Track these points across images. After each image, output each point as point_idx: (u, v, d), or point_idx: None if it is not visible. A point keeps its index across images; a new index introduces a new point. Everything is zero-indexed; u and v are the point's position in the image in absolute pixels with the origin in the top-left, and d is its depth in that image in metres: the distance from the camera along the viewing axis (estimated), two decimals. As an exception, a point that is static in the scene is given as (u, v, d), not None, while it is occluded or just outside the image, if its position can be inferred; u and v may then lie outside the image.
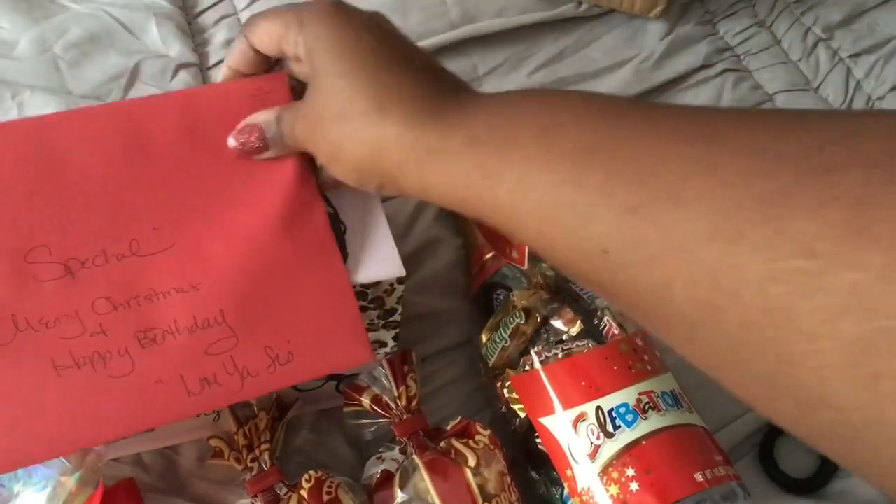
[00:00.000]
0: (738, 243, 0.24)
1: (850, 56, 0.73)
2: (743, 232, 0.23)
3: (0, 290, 0.38)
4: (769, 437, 0.57)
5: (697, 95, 0.71)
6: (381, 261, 0.45)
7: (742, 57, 0.74)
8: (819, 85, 0.72)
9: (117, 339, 0.38)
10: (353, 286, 0.44)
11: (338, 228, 0.46)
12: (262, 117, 0.41)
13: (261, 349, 0.40)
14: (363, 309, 0.46)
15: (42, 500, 0.39)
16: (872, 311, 0.21)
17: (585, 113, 0.30)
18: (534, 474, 0.51)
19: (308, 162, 0.43)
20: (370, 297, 0.46)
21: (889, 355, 0.20)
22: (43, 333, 0.38)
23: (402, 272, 0.44)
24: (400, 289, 0.46)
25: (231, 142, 0.42)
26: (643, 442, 0.46)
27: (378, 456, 0.49)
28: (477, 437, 0.49)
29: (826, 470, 0.56)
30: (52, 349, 0.38)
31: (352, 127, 0.35)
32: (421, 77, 0.35)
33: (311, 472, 0.46)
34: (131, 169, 0.41)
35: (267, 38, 0.40)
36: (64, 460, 0.40)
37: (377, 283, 0.45)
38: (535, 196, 0.30)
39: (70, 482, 0.40)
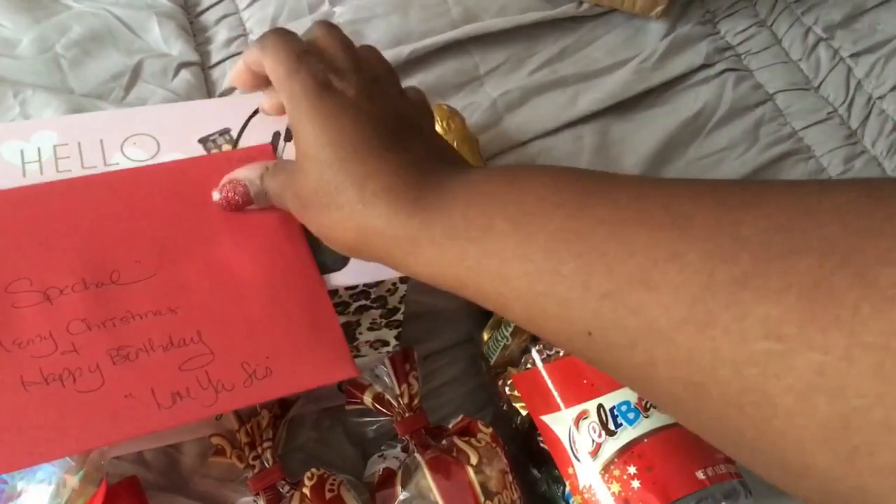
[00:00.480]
0: (710, 326, 0.25)
1: (851, 55, 0.73)
2: (713, 315, 0.25)
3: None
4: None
5: (698, 95, 0.71)
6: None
7: (743, 56, 0.74)
8: (819, 84, 0.72)
9: (88, 356, 0.39)
10: (357, 286, 0.44)
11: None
12: (245, 174, 0.43)
13: (237, 364, 0.40)
14: (366, 308, 0.47)
15: (46, 498, 0.39)
16: (842, 390, 0.22)
17: (554, 200, 0.31)
18: (535, 472, 0.51)
19: None
20: (373, 296, 0.46)
21: (865, 431, 0.22)
22: (15, 353, 0.38)
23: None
24: (402, 288, 0.46)
25: (215, 195, 0.44)
26: (645, 440, 0.46)
27: (380, 454, 0.50)
28: (479, 436, 0.49)
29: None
30: (22, 367, 0.38)
31: (339, 216, 0.36)
32: (405, 161, 0.36)
33: (314, 470, 0.46)
34: (116, 211, 0.44)
35: (258, 72, 0.41)
36: (68, 458, 0.40)
37: (380, 283, 0.45)
38: (516, 285, 0.31)
39: (73, 480, 0.40)
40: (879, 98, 0.71)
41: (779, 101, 0.71)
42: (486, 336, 0.54)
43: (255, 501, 0.46)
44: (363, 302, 0.46)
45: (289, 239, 0.45)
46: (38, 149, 0.47)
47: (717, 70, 0.72)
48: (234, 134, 0.49)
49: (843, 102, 0.71)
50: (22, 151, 0.46)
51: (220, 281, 0.42)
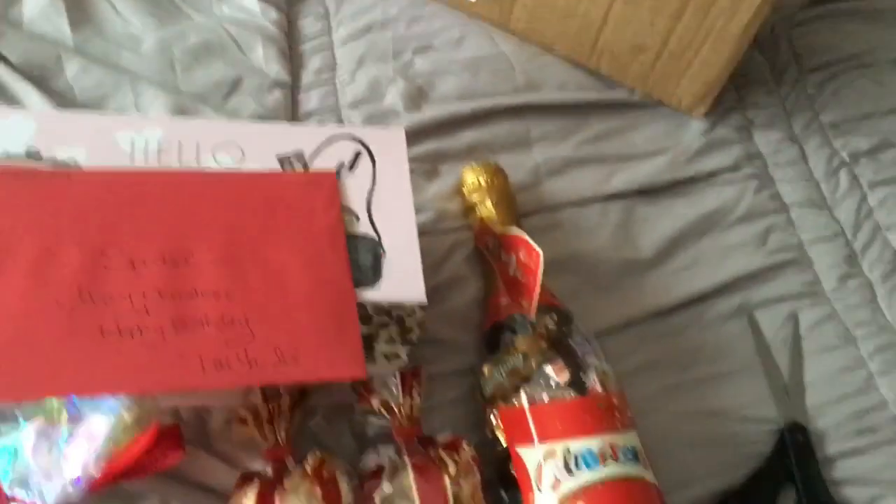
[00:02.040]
0: None
1: (869, 185, 0.80)
2: None
3: (77, 270, 0.48)
4: (719, 507, 0.64)
5: (721, 193, 0.78)
6: (408, 287, 0.54)
7: (769, 166, 0.81)
8: (834, 205, 0.79)
9: (156, 319, 0.48)
10: (381, 303, 0.53)
11: (377, 253, 0.55)
12: None
13: (271, 348, 0.49)
14: (385, 324, 0.55)
15: (105, 427, 0.48)
16: None
17: None
18: (504, 495, 0.59)
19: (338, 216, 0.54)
20: (394, 315, 0.54)
21: None
22: (99, 305, 0.48)
23: (423, 300, 0.53)
24: (421, 314, 0.55)
25: None
26: (599, 485, 0.54)
27: (375, 450, 0.58)
28: (461, 452, 0.57)
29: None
30: (102, 318, 0.47)
31: None
32: None
33: (318, 453, 0.55)
34: (199, 204, 0.53)
35: None
36: (127, 399, 0.49)
37: (402, 305, 0.53)
38: None
39: (129, 417, 0.49)
40: (886, 229, 0.78)
41: (793, 213, 0.78)
42: (485, 371, 0.61)
43: (264, 469, 0.55)
44: (384, 318, 0.54)
45: (333, 251, 0.53)
46: (146, 141, 0.56)
47: (742, 174, 0.80)
48: (307, 157, 0.59)
49: (852, 226, 0.77)
50: (133, 141, 0.56)
51: (271, 278, 0.51)
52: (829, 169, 0.81)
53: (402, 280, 0.54)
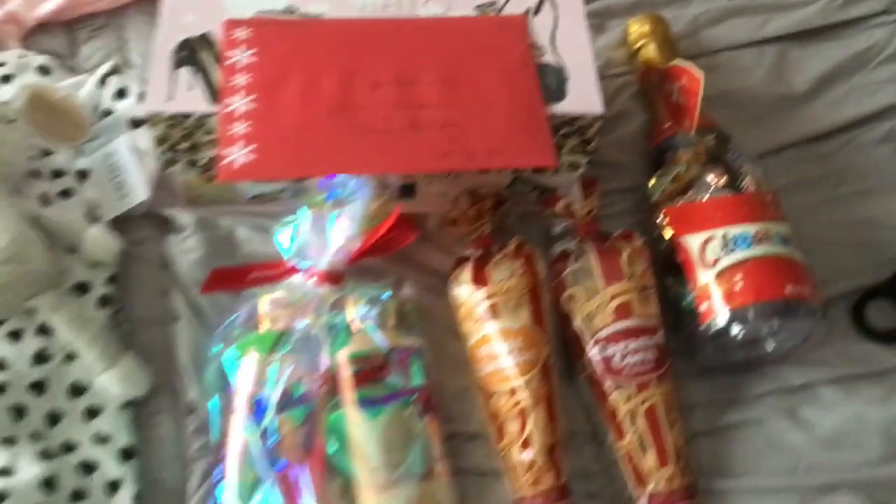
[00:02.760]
0: None
1: None
2: None
3: (335, 89, 0.64)
4: (864, 297, 0.72)
5: (871, 35, 0.85)
6: (588, 102, 0.66)
7: (921, 9, 0.86)
8: None
9: (398, 122, 0.62)
10: (566, 115, 0.65)
11: (561, 77, 0.67)
12: None
13: (484, 143, 0.62)
14: (569, 134, 0.67)
15: (359, 213, 0.63)
16: None
17: None
18: (669, 281, 0.70)
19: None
20: (576, 125, 0.66)
21: None
22: (353, 114, 0.62)
23: (601, 111, 0.65)
24: (597, 125, 0.66)
25: None
26: (752, 261, 0.64)
27: (561, 242, 0.70)
28: (633, 241, 0.68)
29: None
30: (357, 120, 0.62)
31: None
32: None
33: (518, 238, 0.68)
34: (420, 41, 0.67)
35: None
36: (374, 190, 0.64)
37: (583, 116, 0.65)
38: None
39: (376, 206, 0.64)
40: None
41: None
42: (652, 182, 0.72)
43: (474, 253, 0.68)
44: (568, 129, 0.67)
45: (526, 74, 0.66)
46: (376, -4, 0.70)
47: (893, 17, 0.85)
48: (499, 6, 0.71)
49: None
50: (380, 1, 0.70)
51: (479, 94, 0.64)
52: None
53: (582, 97, 0.66)
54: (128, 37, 0.81)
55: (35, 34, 0.80)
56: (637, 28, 0.81)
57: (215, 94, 0.64)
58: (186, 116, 0.63)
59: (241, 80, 0.64)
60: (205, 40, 0.66)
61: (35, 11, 0.79)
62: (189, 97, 0.63)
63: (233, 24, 0.67)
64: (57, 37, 0.81)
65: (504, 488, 0.64)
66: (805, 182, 0.77)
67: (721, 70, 0.82)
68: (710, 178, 0.69)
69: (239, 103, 0.62)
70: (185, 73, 0.65)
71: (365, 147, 0.61)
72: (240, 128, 0.61)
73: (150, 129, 0.64)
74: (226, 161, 0.60)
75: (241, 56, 0.65)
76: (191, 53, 0.66)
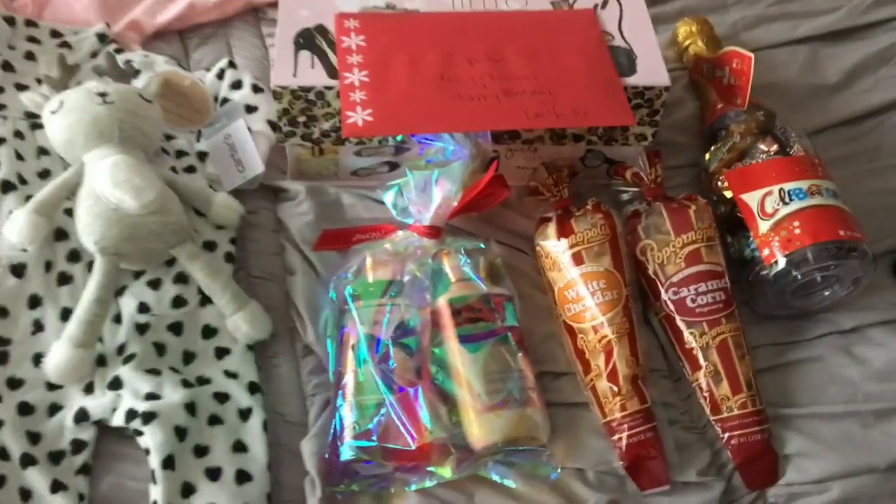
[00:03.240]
0: None
1: None
2: None
3: (437, 64, 0.73)
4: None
5: (893, 36, 0.95)
6: (656, 76, 0.75)
7: (936, 13, 0.96)
8: None
9: (492, 90, 0.72)
10: (638, 86, 0.74)
11: (631, 57, 0.77)
12: None
13: (570, 106, 0.71)
14: (638, 106, 0.77)
15: (458, 172, 0.72)
16: None
17: None
18: (729, 239, 0.78)
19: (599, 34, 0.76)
20: (646, 97, 0.76)
21: None
22: (454, 83, 0.72)
23: (668, 83, 0.74)
24: (664, 96, 0.76)
25: None
26: (807, 210, 0.73)
27: (631, 204, 0.79)
28: (697, 201, 0.77)
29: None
30: (457, 90, 0.71)
31: None
32: None
33: (593, 199, 0.76)
34: (506, 27, 0.78)
35: None
36: (473, 149, 0.72)
37: (651, 88, 0.75)
38: None
39: (473, 164, 0.73)
40: None
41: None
42: (708, 155, 0.81)
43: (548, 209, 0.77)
44: (637, 101, 0.76)
45: (600, 53, 0.76)
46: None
47: (910, 21, 0.96)
48: (571, 1, 0.81)
49: None
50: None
51: (562, 69, 0.74)
52: None
53: (651, 71, 0.76)
54: (233, 43, 0.92)
55: (152, 40, 0.90)
56: (685, 28, 0.91)
57: (333, 71, 0.73)
58: (309, 89, 0.73)
59: (354, 59, 0.73)
60: (320, 29, 0.76)
61: (154, 20, 0.90)
62: (311, 73, 0.73)
63: (343, 16, 0.77)
64: (171, 43, 0.91)
65: (591, 417, 0.71)
66: (842, 158, 0.86)
67: (760, 65, 0.91)
68: (762, 146, 0.78)
69: (355, 77, 0.72)
70: (304, 56, 0.74)
71: (466, 109, 0.71)
72: (357, 95, 0.71)
73: (275, 103, 0.73)
74: (349, 121, 0.69)
75: (353, 41, 0.75)
76: (309, 40, 0.75)
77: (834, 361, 0.75)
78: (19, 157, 0.74)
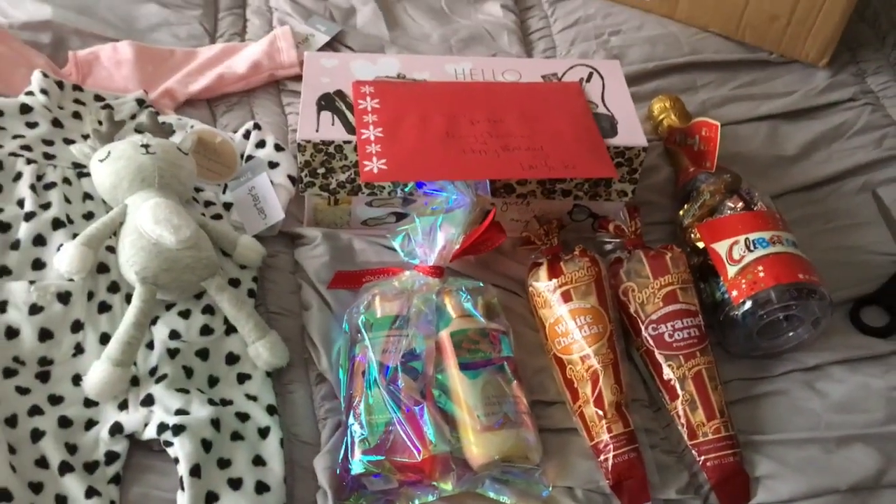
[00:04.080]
0: None
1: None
2: None
3: (443, 124, 0.83)
4: (858, 304, 0.89)
5: (844, 115, 1.07)
6: (634, 138, 0.86)
7: (880, 98, 1.09)
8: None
9: (492, 146, 0.82)
10: (619, 146, 0.85)
11: (613, 122, 0.87)
12: None
13: (560, 160, 0.81)
14: (619, 164, 0.87)
15: (460, 214, 0.81)
16: None
17: None
18: (702, 285, 0.87)
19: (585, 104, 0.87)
20: (626, 156, 0.86)
21: None
22: (458, 140, 0.82)
23: (645, 144, 0.85)
24: (643, 156, 0.86)
25: None
26: (770, 256, 0.82)
27: (614, 253, 0.88)
28: (674, 251, 0.86)
29: (894, 325, 0.88)
30: (461, 145, 0.81)
31: None
32: None
33: (580, 246, 0.85)
34: (504, 96, 0.88)
35: None
36: (472, 197, 0.82)
37: (631, 148, 0.85)
38: None
39: (474, 211, 0.82)
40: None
41: (900, 125, 1.05)
42: (682, 211, 0.91)
43: (539, 255, 0.86)
44: (618, 160, 0.86)
45: (586, 119, 0.86)
46: (462, 68, 0.91)
47: (859, 103, 1.08)
48: (559, 76, 0.92)
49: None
50: (454, 69, 0.91)
51: (553, 130, 0.84)
52: (927, 95, 1.08)
53: (630, 134, 0.86)
54: (256, 111, 1.02)
55: (183, 107, 1.01)
56: (660, 105, 1.02)
57: (350, 128, 0.83)
58: (330, 143, 0.82)
59: (370, 118, 0.83)
60: (339, 94, 0.87)
61: (186, 89, 1.00)
62: (331, 130, 0.83)
63: (360, 83, 0.87)
64: (200, 110, 1.01)
65: (579, 441, 0.78)
66: (802, 219, 0.96)
67: (726, 139, 1.02)
68: (730, 203, 0.88)
69: (371, 133, 0.82)
70: (325, 115, 0.84)
71: (469, 161, 0.80)
72: (373, 148, 0.80)
73: (299, 156, 0.83)
74: (366, 169, 0.78)
75: (369, 103, 0.85)
76: (329, 102, 0.86)
77: (798, 395, 0.82)
78: (67, 200, 0.83)
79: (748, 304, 0.81)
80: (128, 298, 0.77)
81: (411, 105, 0.86)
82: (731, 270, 0.83)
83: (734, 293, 0.82)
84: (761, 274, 0.81)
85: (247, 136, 0.94)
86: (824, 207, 0.98)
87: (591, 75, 0.93)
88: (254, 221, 0.88)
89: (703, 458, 0.77)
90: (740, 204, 0.88)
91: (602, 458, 0.76)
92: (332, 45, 1.09)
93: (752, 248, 0.83)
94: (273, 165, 0.92)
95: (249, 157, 0.93)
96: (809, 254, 0.86)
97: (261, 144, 0.93)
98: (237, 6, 1.15)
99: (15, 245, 0.78)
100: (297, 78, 1.03)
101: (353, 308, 0.82)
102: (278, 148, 0.93)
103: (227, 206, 0.90)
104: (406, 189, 0.85)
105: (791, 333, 0.84)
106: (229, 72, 1.02)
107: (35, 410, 0.72)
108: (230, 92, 1.03)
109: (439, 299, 0.82)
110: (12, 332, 0.74)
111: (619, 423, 0.77)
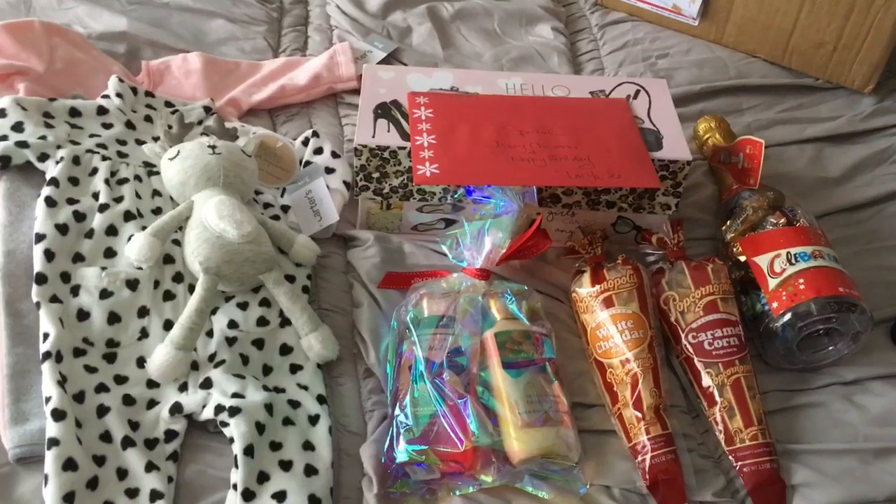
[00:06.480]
0: None
1: None
2: None
3: (493, 134, 0.87)
4: (899, 321, 0.91)
5: (889, 140, 1.08)
6: (678, 152, 0.88)
7: (926, 122, 1.10)
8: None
9: (540, 155, 0.85)
10: (664, 160, 0.87)
11: (658, 136, 0.90)
12: None
13: (606, 170, 0.84)
14: (663, 177, 0.89)
15: (507, 220, 0.84)
16: None
17: None
18: (743, 298, 0.89)
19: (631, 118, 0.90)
20: (671, 169, 0.89)
21: None
22: (507, 149, 0.85)
23: (689, 158, 0.87)
24: (687, 169, 0.89)
25: None
26: (811, 269, 0.84)
27: (656, 264, 0.90)
28: (715, 262, 0.88)
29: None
30: (510, 154, 0.85)
31: None
32: None
33: (623, 255, 0.88)
34: (554, 109, 0.91)
35: None
36: (520, 204, 0.85)
37: (675, 161, 0.88)
38: None
39: (521, 217, 0.85)
40: None
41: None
42: (724, 227, 0.93)
43: (583, 264, 0.88)
44: (662, 172, 0.89)
45: (632, 133, 0.89)
46: (513, 83, 0.95)
47: (904, 128, 1.09)
48: (607, 92, 0.96)
49: None
50: (506, 84, 0.95)
51: (601, 143, 0.87)
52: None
53: (675, 148, 0.89)
54: (314, 121, 1.07)
55: (245, 116, 1.06)
56: (705, 125, 1.05)
57: (405, 135, 0.87)
58: (385, 148, 0.86)
59: (424, 126, 0.87)
60: (395, 103, 0.91)
61: (250, 99, 1.05)
62: (387, 136, 0.87)
63: (415, 94, 0.92)
64: (261, 118, 1.06)
65: (618, 443, 0.80)
66: (844, 239, 0.97)
67: (771, 160, 1.05)
68: (772, 219, 0.90)
69: (425, 139, 0.86)
70: (381, 123, 0.89)
71: (517, 168, 0.84)
72: (426, 153, 0.84)
73: (356, 160, 0.87)
74: (419, 173, 0.82)
75: (423, 113, 0.89)
76: (386, 111, 0.90)
77: (837, 407, 0.83)
78: (137, 195, 0.88)
79: (788, 316, 0.82)
80: (191, 289, 0.82)
81: (463, 115, 0.90)
82: (772, 283, 0.85)
83: (774, 305, 0.84)
84: (802, 286, 0.83)
85: (305, 143, 0.99)
86: (866, 228, 0.99)
87: (637, 93, 0.96)
88: (310, 223, 0.92)
89: (739, 463, 0.79)
90: (783, 220, 0.90)
91: (640, 458, 0.78)
92: (389, 61, 1.14)
93: (793, 261, 0.85)
94: (329, 171, 0.96)
95: (308, 163, 0.97)
96: (851, 272, 0.87)
97: (318, 151, 0.98)
98: (300, 23, 1.21)
99: (89, 234, 0.83)
100: (355, 91, 1.08)
101: (401, 306, 0.85)
102: (335, 155, 0.98)
103: (285, 208, 0.95)
104: (456, 195, 0.89)
105: (831, 348, 0.85)
106: (290, 83, 1.07)
107: (101, 388, 0.76)
108: (291, 103, 1.08)
109: (485, 301, 0.84)
110: (83, 315, 0.79)
111: (658, 426, 0.79)
